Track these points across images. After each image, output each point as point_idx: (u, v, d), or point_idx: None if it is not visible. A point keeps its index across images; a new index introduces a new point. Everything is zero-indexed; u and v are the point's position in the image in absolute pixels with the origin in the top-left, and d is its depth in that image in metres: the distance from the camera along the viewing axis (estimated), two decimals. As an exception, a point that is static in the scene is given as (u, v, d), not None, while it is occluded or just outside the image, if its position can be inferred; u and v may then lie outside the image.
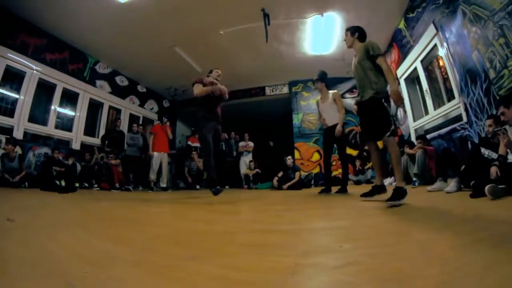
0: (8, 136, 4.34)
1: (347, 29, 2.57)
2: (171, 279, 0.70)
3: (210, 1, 4.46)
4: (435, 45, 4.04)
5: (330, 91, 3.74)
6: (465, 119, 3.52)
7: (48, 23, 4.83)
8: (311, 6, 4.65)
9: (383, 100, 2.22)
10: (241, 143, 7.45)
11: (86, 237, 1.19)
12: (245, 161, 7.18)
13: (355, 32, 2.50)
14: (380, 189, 2.43)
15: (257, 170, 6.92)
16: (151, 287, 0.66)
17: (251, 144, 7.40)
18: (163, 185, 5.71)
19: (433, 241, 1.08)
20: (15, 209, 2.08)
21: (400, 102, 2.18)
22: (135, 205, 2.82)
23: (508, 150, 2.31)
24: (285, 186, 5.64)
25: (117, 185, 5.20)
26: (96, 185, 5.27)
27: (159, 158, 5.64)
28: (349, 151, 7.08)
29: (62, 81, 5.29)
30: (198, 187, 6.58)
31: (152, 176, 5.59)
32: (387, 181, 4.53)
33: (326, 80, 3.78)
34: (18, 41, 4.54)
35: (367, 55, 2.31)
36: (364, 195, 2.51)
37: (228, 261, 0.88)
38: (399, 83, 5.53)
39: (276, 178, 5.94)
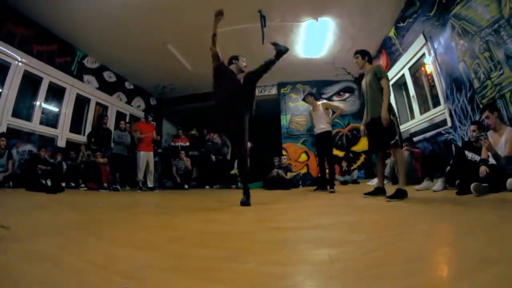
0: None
1: (357, 52, 2.83)
2: (219, 281, 0.69)
3: (207, -1, 4.43)
4: (424, 54, 4.27)
5: (319, 102, 4.34)
6: (449, 124, 3.76)
7: (37, 13, 4.56)
8: (307, 10, 4.74)
9: (390, 115, 2.51)
10: None
11: (102, 245, 1.10)
12: None
13: (366, 56, 2.79)
14: (382, 191, 2.72)
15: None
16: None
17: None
18: (150, 185, 5.62)
19: (435, 230, 1.25)
20: (6, 213, 1.91)
21: (385, 123, 2.48)
22: (132, 206, 2.78)
23: (489, 154, 2.55)
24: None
25: (105, 184, 5.04)
26: (83, 185, 5.05)
27: (146, 156, 5.53)
28: (336, 152, 7.29)
29: (49, 74, 5.03)
30: (186, 186, 6.48)
31: (140, 176, 5.46)
32: (373, 181, 4.75)
33: (315, 95, 4.62)
34: (4, 30, 4.25)
35: (376, 77, 2.61)
36: (368, 194, 2.78)
37: (262, 258, 0.90)
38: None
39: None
